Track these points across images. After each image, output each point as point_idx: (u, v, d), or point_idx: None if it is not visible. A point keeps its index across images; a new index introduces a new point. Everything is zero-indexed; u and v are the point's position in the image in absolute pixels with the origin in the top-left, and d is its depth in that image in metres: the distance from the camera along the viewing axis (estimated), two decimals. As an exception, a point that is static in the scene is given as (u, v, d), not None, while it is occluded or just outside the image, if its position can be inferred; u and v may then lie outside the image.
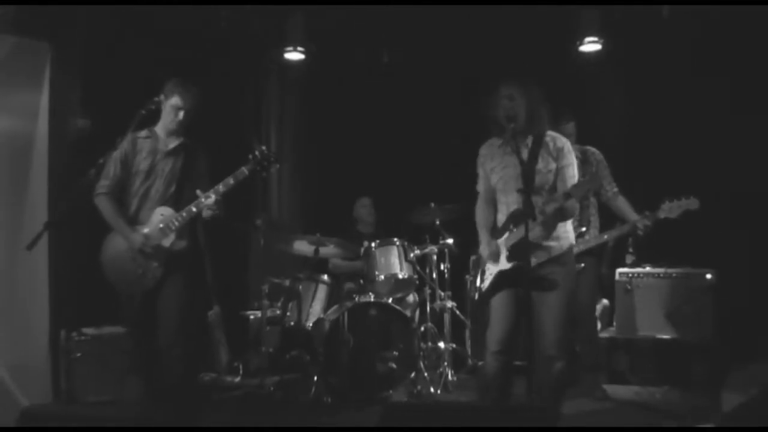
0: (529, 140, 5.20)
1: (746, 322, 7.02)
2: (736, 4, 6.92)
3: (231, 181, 5.60)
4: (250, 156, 5.66)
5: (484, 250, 5.35)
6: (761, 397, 4.39)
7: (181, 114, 5.73)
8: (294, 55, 8.55)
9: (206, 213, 5.60)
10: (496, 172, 5.32)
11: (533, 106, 5.18)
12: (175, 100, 5.70)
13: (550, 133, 5.28)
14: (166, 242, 5.58)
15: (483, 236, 5.41)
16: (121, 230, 5.62)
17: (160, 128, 5.81)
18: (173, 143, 5.79)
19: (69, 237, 6.63)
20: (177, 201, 5.70)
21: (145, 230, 5.58)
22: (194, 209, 5.57)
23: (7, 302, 6.59)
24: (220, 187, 5.58)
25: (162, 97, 5.71)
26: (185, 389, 5.85)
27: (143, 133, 5.77)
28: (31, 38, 6.74)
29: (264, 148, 5.73)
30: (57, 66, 6.85)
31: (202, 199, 5.53)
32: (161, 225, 5.58)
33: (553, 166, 5.17)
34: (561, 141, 5.27)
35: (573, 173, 5.22)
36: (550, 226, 5.12)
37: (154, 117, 5.78)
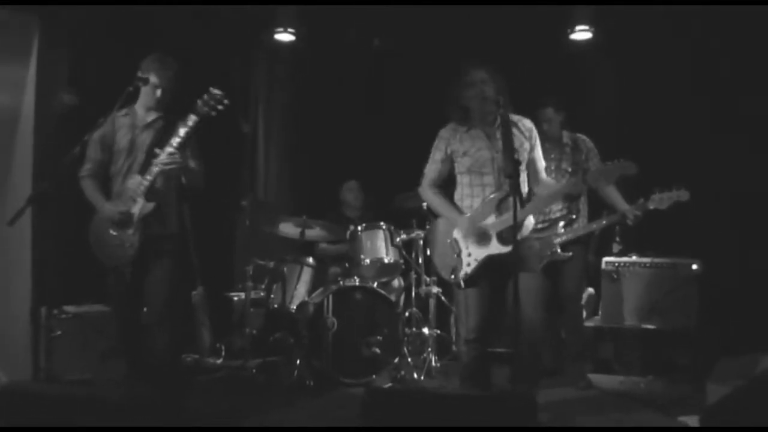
0: (497, 123, 5.25)
1: (731, 312, 7.03)
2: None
3: (182, 130, 5.52)
4: (198, 100, 5.54)
5: (464, 228, 5.32)
6: (746, 388, 4.37)
7: (159, 92, 5.73)
8: (284, 37, 8.49)
9: (170, 167, 5.52)
10: (468, 155, 5.34)
11: (501, 89, 5.24)
12: (152, 77, 5.68)
13: (513, 115, 5.35)
14: (135, 208, 5.54)
15: (453, 216, 5.42)
16: (96, 204, 5.67)
17: (139, 105, 5.80)
18: (150, 117, 5.79)
19: (52, 213, 6.59)
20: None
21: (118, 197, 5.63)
22: (155, 168, 5.51)
23: (-12, 278, 6.57)
24: (175, 140, 5.51)
25: (140, 73, 5.68)
26: (169, 369, 5.84)
27: (122, 111, 5.74)
28: (20, 12, 6.67)
29: (213, 89, 5.58)
30: (45, 40, 6.79)
31: (162, 157, 5.48)
32: (129, 192, 5.56)
33: (527, 145, 5.33)
34: (527, 122, 5.46)
35: (541, 153, 5.47)
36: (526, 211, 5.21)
37: (136, 94, 5.75)
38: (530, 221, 5.38)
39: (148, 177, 5.52)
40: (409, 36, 8.49)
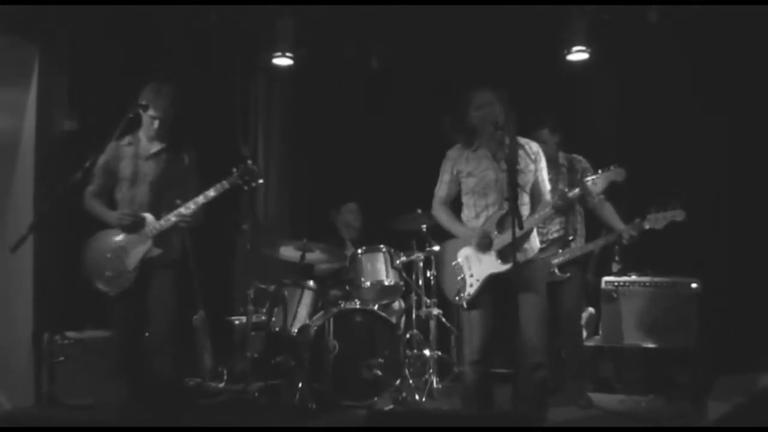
0: (505, 145, 5.28)
1: (731, 331, 7.04)
2: (723, 4, 6.92)
3: (211, 193, 5.65)
4: (234, 169, 5.66)
5: (472, 239, 5.36)
6: (746, 406, 4.38)
7: (156, 123, 5.77)
8: (282, 61, 8.52)
9: (188, 224, 5.69)
10: (474, 175, 5.40)
11: (507, 111, 5.29)
12: (149, 108, 5.73)
13: (520, 138, 5.41)
14: (142, 249, 5.64)
15: (460, 229, 5.49)
16: (100, 213, 5.74)
17: (142, 134, 5.85)
18: (154, 148, 5.83)
19: (53, 239, 6.60)
20: (158, 206, 5.75)
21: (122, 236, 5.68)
22: (173, 219, 5.63)
23: (-10, 304, 6.57)
24: (200, 199, 5.63)
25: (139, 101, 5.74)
26: (171, 392, 5.85)
27: (126, 140, 5.79)
28: (20, 37, 6.71)
29: (250, 162, 5.73)
30: (45, 65, 6.83)
31: (182, 210, 5.60)
32: (119, 215, 5.67)
33: (532, 167, 5.37)
34: (535, 145, 5.49)
35: (546, 176, 5.51)
36: (528, 231, 5.27)
37: (139, 121, 5.79)
38: (536, 243, 5.44)
39: (162, 223, 5.63)
40: (407, 57, 8.51)
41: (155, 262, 5.68)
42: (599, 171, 5.17)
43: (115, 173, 5.77)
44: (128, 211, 5.64)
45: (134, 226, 5.62)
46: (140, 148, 5.81)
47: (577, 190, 5.24)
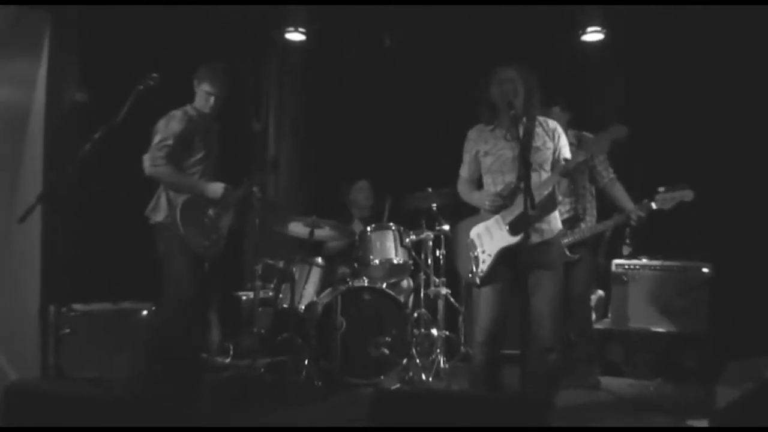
0: (523, 122, 5.26)
1: (742, 315, 6.99)
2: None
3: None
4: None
5: (485, 202, 5.35)
6: (756, 392, 4.36)
7: (212, 99, 6.07)
8: (295, 36, 8.48)
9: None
10: (491, 154, 5.38)
11: (530, 89, 5.29)
12: (206, 86, 6.05)
13: (539, 117, 5.40)
14: (228, 218, 6.13)
15: (476, 197, 5.50)
16: (200, 187, 6.00)
17: (198, 108, 6.13)
18: (213, 125, 6.21)
19: (62, 211, 6.59)
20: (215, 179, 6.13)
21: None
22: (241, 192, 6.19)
23: (-2, 275, 6.57)
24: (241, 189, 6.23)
25: (195, 81, 6.09)
26: (193, 366, 6.15)
27: (192, 111, 6.07)
28: (31, 7, 6.67)
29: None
30: (56, 37, 6.78)
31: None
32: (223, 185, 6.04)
33: (550, 144, 5.33)
34: (553, 123, 5.46)
35: (569, 154, 5.41)
36: (543, 209, 5.20)
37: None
38: (557, 225, 5.40)
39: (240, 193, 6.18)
40: (420, 35, 8.47)
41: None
42: (599, 132, 5.13)
43: (190, 143, 5.99)
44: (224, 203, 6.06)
45: (227, 202, 6.07)
46: (207, 122, 6.12)
47: (583, 153, 5.19)
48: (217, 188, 5.98)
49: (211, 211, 5.93)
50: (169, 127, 5.89)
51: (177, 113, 5.97)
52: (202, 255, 5.92)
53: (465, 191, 5.62)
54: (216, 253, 5.98)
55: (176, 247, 5.79)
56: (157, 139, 5.90)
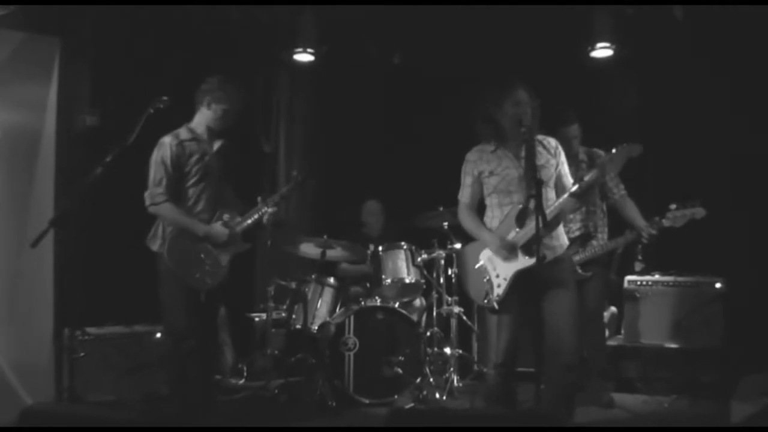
0: (525, 142, 5.24)
1: (756, 331, 6.96)
2: (748, 4, 6.86)
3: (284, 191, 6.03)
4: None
5: (494, 245, 5.29)
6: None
7: (227, 115, 5.79)
8: (304, 57, 8.51)
9: (267, 219, 5.87)
10: (496, 174, 5.33)
11: (535, 109, 5.27)
12: (223, 102, 5.76)
13: (538, 135, 5.38)
14: (237, 247, 5.84)
15: (484, 234, 5.40)
16: (198, 229, 5.68)
17: (199, 126, 5.84)
18: (218, 144, 5.86)
19: (74, 235, 6.61)
20: (221, 200, 5.85)
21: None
22: (256, 216, 5.83)
23: (11, 300, 6.57)
24: (277, 197, 5.92)
25: (207, 96, 5.77)
26: (207, 390, 5.95)
27: (185, 134, 5.76)
28: (41, 34, 6.71)
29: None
30: (66, 61, 6.82)
31: (267, 208, 5.82)
32: (227, 229, 5.76)
33: (553, 161, 5.32)
34: (553, 140, 5.45)
35: (568, 170, 5.45)
36: (552, 226, 5.16)
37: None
38: (564, 240, 5.39)
39: (249, 221, 5.85)
40: (430, 53, 8.49)
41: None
42: (613, 150, 5.11)
43: (183, 169, 5.70)
44: (198, 208, 5.73)
45: (229, 243, 5.78)
46: (205, 144, 5.81)
47: (595, 171, 5.17)
48: (220, 233, 5.71)
49: (209, 246, 5.69)
50: (162, 158, 5.63)
51: (166, 140, 5.67)
52: (195, 287, 5.66)
53: (468, 221, 5.53)
54: (213, 284, 5.69)
55: (169, 277, 5.62)
56: (152, 174, 5.66)
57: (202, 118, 5.81)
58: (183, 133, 5.75)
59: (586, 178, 5.16)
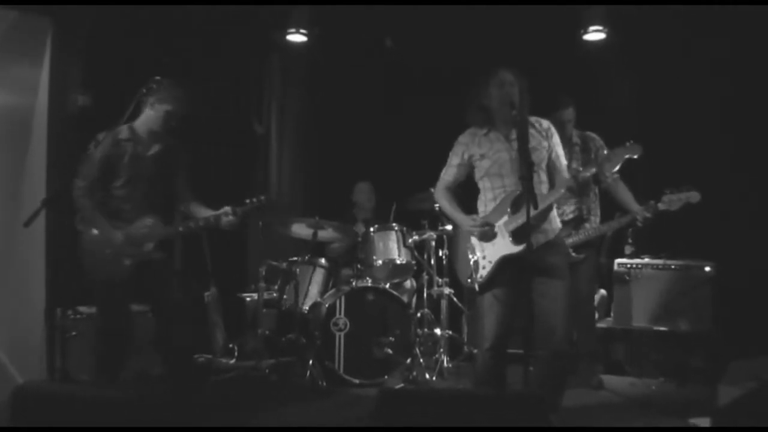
0: (516, 124, 5.23)
1: (744, 315, 7.00)
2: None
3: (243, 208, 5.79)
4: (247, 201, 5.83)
5: (466, 226, 5.31)
6: (758, 391, 4.37)
7: (169, 116, 5.72)
8: (296, 38, 8.50)
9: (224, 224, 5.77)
10: (488, 157, 5.31)
11: (523, 90, 5.24)
12: (166, 103, 5.69)
13: (531, 117, 5.35)
14: (145, 248, 5.69)
15: (460, 218, 5.41)
16: (102, 228, 5.64)
17: (141, 126, 5.78)
18: (156, 147, 5.78)
19: (66, 215, 6.60)
20: (154, 204, 5.78)
21: (127, 231, 5.66)
22: (212, 219, 5.75)
23: (4, 279, 6.59)
24: (239, 211, 5.77)
25: (150, 97, 5.70)
26: (183, 369, 5.89)
27: (124, 134, 5.70)
28: (33, 13, 6.68)
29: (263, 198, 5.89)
30: (58, 41, 6.78)
31: (229, 216, 5.73)
32: (145, 232, 5.68)
33: (545, 143, 5.28)
34: (545, 122, 5.41)
35: (562, 152, 5.40)
36: (545, 210, 5.15)
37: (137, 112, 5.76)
38: (557, 224, 5.35)
39: (192, 225, 5.78)
40: (422, 36, 8.47)
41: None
42: (614, 149, 5.13)
43: (114, 167, 5.66)
44: (133, 241, 5.64)
45: (127, 254, 5.69)
46: (141, 146, 5.74)
47: (593, 170, 5.19)
48: (114, 238, 5.61)
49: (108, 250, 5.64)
50: (96, 156, 5.59)
51: (106, 140, 5.61)
52: (103, 278, 5.72)
53: (444, 202, 5.55)
54: (121, 272, 5.66)
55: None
56: (83, 167, 5.63)
57: (146, 119, 5.75)
58: (123, 132, 5.70)
59: (583, 174, 5.17)
